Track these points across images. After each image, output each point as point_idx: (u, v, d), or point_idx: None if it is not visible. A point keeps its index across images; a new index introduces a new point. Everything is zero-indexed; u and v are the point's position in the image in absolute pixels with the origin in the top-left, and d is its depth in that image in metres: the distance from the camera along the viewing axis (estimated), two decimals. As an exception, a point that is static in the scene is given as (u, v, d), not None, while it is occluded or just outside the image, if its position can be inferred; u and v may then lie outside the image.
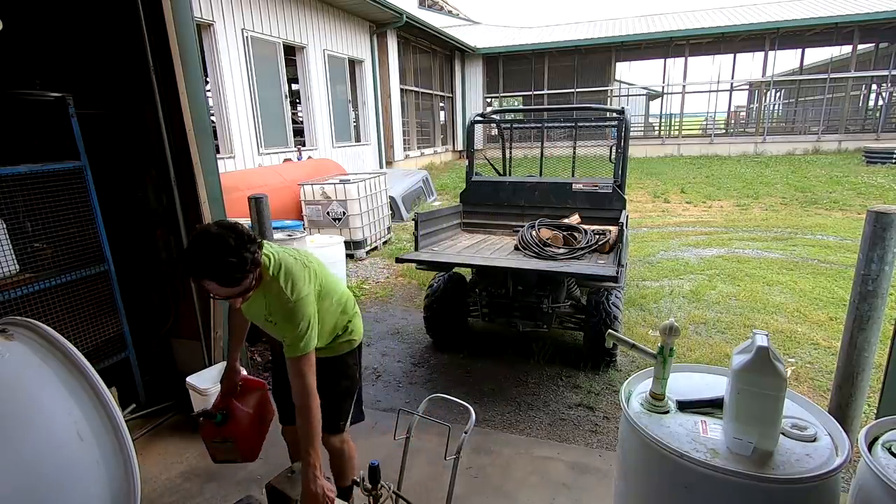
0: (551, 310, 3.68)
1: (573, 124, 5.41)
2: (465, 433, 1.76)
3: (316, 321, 1.75)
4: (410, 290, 5.68)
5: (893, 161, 13.55)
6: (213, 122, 7.09)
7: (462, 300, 4.11)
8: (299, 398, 1.69)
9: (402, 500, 1.77)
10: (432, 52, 17.52)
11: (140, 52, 2.86)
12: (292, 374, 1.71)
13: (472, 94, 20.61)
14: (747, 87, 23.48)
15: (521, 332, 4.08)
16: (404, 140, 15.55)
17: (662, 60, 19.31)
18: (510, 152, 5.64)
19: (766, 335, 1.40)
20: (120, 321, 3.07)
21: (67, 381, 1.72)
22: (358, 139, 13.03)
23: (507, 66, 20.40)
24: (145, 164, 3.08)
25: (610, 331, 1.81)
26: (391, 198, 8.67)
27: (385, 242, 7.71)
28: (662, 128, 21.02)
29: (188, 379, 3.10)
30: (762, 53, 17.97)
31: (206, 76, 8.00)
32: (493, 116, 5.78)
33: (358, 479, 1.76)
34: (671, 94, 19.64)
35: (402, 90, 15.01)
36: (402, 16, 12.58)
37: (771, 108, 24.15)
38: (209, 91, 8.12)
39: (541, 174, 5.44)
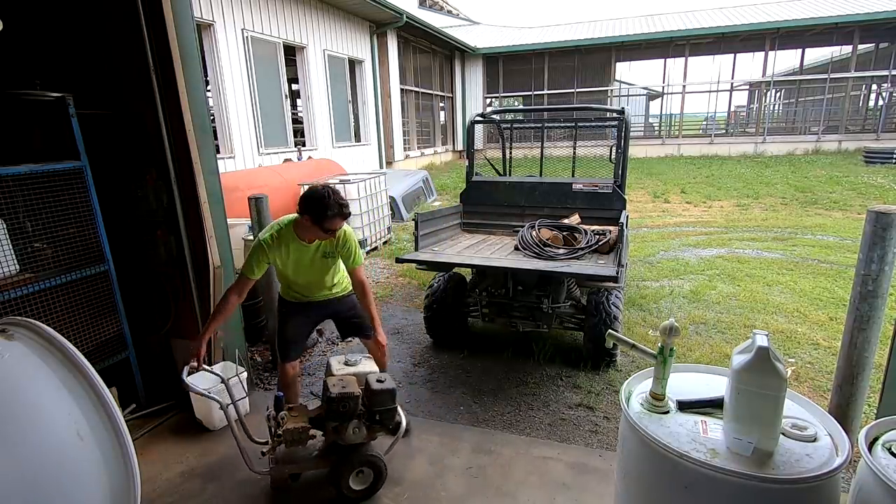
0: (551, 310, 3.68)
1: (573, 124, 5.41)
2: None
3: None
4: (410, 290, 5.68)
5: (893, 161, 13.55)
6: (213, 122, 7.09)
7: (462, 300, 4.11)
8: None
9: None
10: (432, 52, 17.52)
11: (140, 52, 2.86)
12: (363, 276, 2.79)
13: (472, 94, 20.60)
14: (747, 87, 23.49)
15: (521, 332, 4.08)
16: (404, 140, 15.55)
17: (662, 60, 19.32)
18: (510, 152, 5.64)
19: (766, 335, 1.40)
20: (120, 321, 3.07)
21: (67, 381, 1.71)
22: (358, 139, 13.02)
23: (507, 66, 20.40)
24: (145, 165, 3.08)
25: (610, 331, 1.81)
26: (391, 198, 8.66)
27: (385, 242, 7.71)
28: (662, 128, 21.03)
29: (188, 379, 3.10)
30: (762, 53, 17.97)
31: (206, 76, 8.00)
32: (493, 116, 5.78)
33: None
34: (671, 94, 19.65)
35: (402, 90, 15.01)
36: (402, 16, 12.58)
37: (771, 108, 24.17)
38: (209, 91, 8.11)
39: (541, 174, 5.44)
